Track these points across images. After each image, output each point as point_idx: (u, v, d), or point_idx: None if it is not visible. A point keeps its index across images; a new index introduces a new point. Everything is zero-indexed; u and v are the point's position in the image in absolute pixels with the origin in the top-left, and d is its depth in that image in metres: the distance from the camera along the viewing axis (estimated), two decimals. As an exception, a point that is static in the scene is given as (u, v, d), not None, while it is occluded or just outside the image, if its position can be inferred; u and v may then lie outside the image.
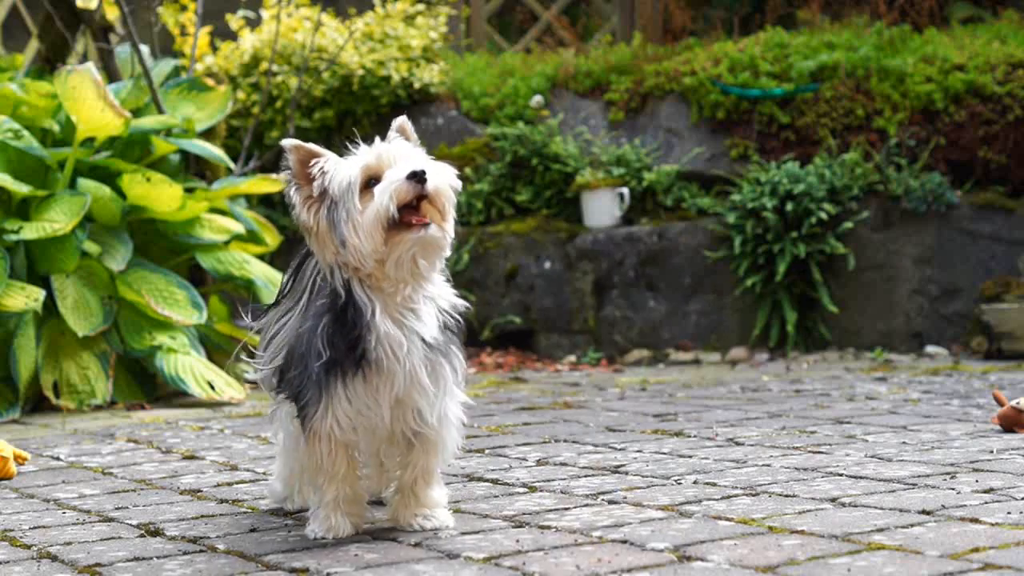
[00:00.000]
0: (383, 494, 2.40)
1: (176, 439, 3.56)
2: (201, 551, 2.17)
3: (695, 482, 2.61)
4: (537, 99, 6.31)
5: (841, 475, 2.63)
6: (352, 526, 2.25)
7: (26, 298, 4.26)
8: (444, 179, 2.19)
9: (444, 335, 2.22)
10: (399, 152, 2.21)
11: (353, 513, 2.25)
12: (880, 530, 2.12)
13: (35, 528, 2.41)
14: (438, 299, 2.24)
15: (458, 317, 2.25)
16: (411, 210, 2.15)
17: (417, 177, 2.14)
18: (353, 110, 6.33)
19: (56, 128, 4.85)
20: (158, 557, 2.14)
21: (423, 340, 2.18)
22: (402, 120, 2.32)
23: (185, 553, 2.16)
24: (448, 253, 2.23)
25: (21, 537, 2.34)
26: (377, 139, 2.25)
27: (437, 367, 2.20)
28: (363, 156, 2.20)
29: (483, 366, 5.62)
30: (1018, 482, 2.49)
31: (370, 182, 2.18)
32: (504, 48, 7.76)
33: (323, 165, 2.21)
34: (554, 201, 6.12)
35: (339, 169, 2.20)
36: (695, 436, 3.25)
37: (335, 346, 2.16)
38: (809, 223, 5.64)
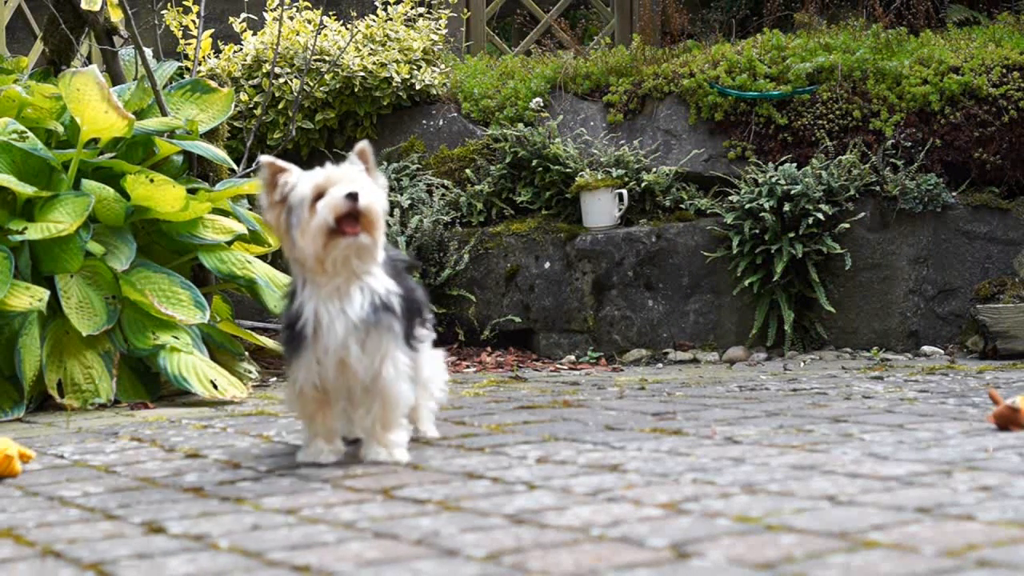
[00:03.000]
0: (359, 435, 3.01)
1: (179, 437, 3.57)
2: (204, 548, 2.18)
3: (693, 480, 2.62)
4: (536, 101, 6.33)
5: (838, 473, 2.65)
6: (331, 452, 2.94)
7: (30, 298, 4.28)
8: (374, 199, 2.80)
9: (378, 314, 2.82)
10: (344, 174, 2.81)
11: (331, 443, 2.95)
12: (877, 528, 2.13)
13: (39, 526, 2.42)
14: (374, 287, 2.83)
15: (391, 299, 2.84)
16: (350, 220, 2.76)
17: (352, 196, 2.75)
18: (355, 111, 6.35)
19: (60, 129, 4.86)
20: (161, 554, 2.15)
21: (351, 319, 2.80)
22: (363, 145, 2.88)
23: (188, 550, 2.17)
24: (381, 255, 2.84)
25: (25, 534, 2.35)
26: (328, 164, 2.87)
27: (368, 339, 2.82)
28: (316, 175, 2.81)
29: (483, 365, 5.64)
30: (1014, 480, 2.51)
31: (319, 196, 2.78)
32: (504, 50, 7.79)
33: (287, 178, 2.83)
34: (554, 202, 6.14)
35: (298, 183, 2.81)
36: (693, 435, 3.27)
37: (289, 324, 2.85)
38: (806, 223, 5.66)
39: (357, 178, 2.82)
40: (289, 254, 2.85)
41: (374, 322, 2.82)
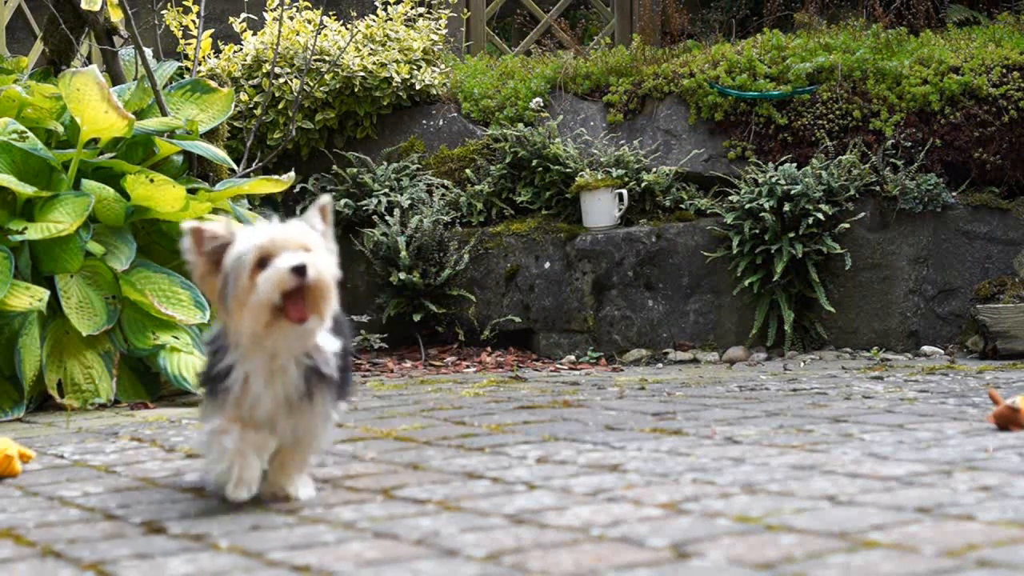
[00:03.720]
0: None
1: (179, 437, 3.57)
2: (204, 548, 2.18)
3: (693, 480, 2.62)
4: (536, 101, 6.33)
5: (838, 473, 2.65)
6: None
7: (30, 298, 4.28)
8: (324, 271, 2.39)
9: (313, 388, 2.48)
10: (291, 237, 2.40)
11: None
12: (877, 528, 2.13)
13: (40, 526, 2.42)
14: (313, 356, 2.47)
15: (329, 366, 2.49)
16: (295, 300, 2.36)
17: (299, 271, 2.34)
18: (355, 111, 6.35)
19: (60, 129, 4.87)
20: (161, 554, 2.15)
21: (281, 395, 2.46)
22: (325, 201, 2.50)
23: (188, 550, 2.17)
24: (327, 326, 2.47)
25: (26, 534, 2.35)
26: (275, 219, 2.46)
27: (299, 412, 2.49)
28: (259, 236, 2.39)
29: (483, 365, 5.64)
30: (1014, 480, 2.51)
31: (261, 263, 2.37)
32: (504, 50, 7.79)
33: (217, 233, 2.43)
34: (554, 202, 6.14)
35: (236, 243, 2.40)
36: (693, 435, 3.27)
37: (214, 379, 2.50)
38: (806, 223, 5.66)
39: (307, 240, 2.42)
40: (222, 318, 2.46)
41: (308, 398, 2.49)
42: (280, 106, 6.23)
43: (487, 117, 6.41)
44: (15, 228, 4.42)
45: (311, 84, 6.20)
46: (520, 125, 6.25)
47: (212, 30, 6.48)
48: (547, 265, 5.99)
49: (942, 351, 5.68)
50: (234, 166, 5.29)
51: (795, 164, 5.86)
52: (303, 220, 2.47)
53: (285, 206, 6.38)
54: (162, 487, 2.80)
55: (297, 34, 6.42)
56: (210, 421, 2.51)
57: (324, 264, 2.39)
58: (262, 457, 2.51)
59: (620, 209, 5.99)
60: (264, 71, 6.29)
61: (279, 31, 6.02)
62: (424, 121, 6.45)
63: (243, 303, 2.36)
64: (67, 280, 4.49)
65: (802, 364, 5.48)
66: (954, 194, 5.83)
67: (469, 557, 2.04)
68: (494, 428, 3.49)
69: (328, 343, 2.49)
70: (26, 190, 4.48)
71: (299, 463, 2.59)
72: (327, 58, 6.25)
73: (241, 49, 6.48)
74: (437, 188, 6.21)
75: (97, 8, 5.27)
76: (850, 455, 2.87)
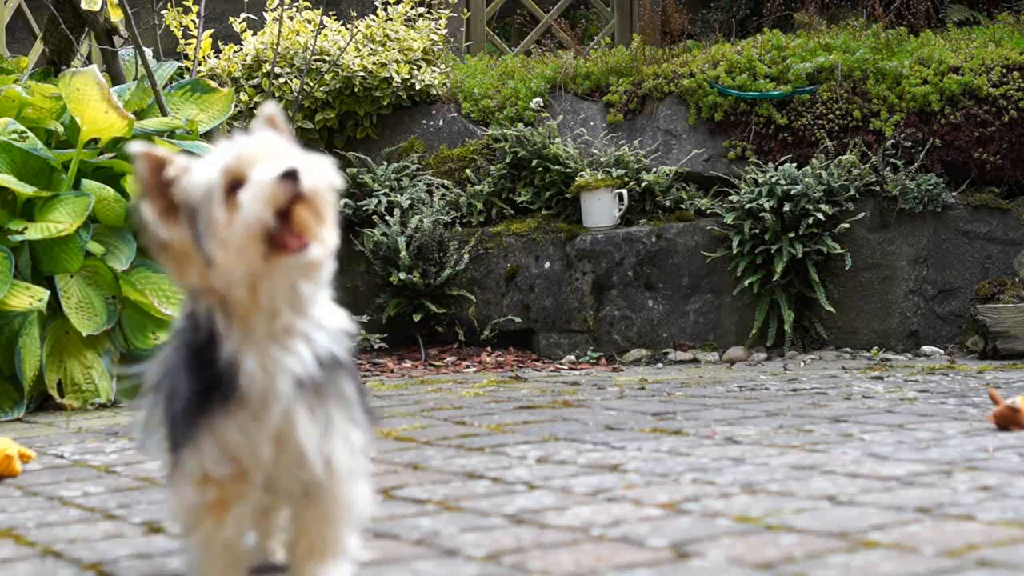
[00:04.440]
0: (278, 556, 2.03)
1: (179, 438, 3.56)
2: (206, 548, 2.18)
3: (693, 480, 2.62)
4: (536, 101, 6.34)
5: (838, 473, 2.65)
6: None
7: (30, 298, 4.28)
8: (322, 177, 1.75)
9: (329, 369, 1.78)
10: (265, 148, 1.77)
11: (235, 568, 1.81)
12: (877, 528, 2.13)
13: (40, 526, 2.42)
14: (321, 326, 1.79)
15: (343, 348, 1.81)
16: (285, 223, 1.73)
17: (291, 176, 1.71)
18: (355, 111, 6.35)
19: (60, 130, 4.86)
20: (161, 555, 2.15)
21: (299, 379, 1.76)
22: (271, 109, 1.85)
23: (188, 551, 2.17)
24: (332, 265, 1.80)
25: (26, 534, 2.35)
26: (238, 135, 1.81)
27: (318, 409, 1.77)
28: (222, 156, 1.75)
29: (483, 365, 5.64)
30: (1014, 480, 2.51)
31: (234, 186, 1.73)
32: (504, 50, 7.79)
33: (179, 170, 1.77)
34: (554, 202, 6.14)
35: (196, 172, 1.76)
36: (693, 435, 3.27)
37: (196, 389, 1.77)
38: (806, 223, 5.66)
39: (286, 149, 1.78)
40: (198, 284, 1.76)
41: (326, 383, 1.78)
42: (280, 106, 6.22)
43: (487, 117, 6.41)
44: (15, 228, 4.42)
45: (311, 84, 6.20)
46: (520, 125, 6.25)
47: (212, 30, 6.49)
48: (547, 265, 5.99)
49: (942, 351, 5.68)
50: (234, 166, 5.28)
51: (795, 164, 5.86)
52: (260, 132, 1.82)
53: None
54: (162, 487, 2.79)
55: (297, 34, 6.43)
56: (186, 462, 1.77)
57: (319, 167, 1.75)
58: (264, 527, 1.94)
59: (620, 209, 5.99)
60: (264, 71, 6.29)
61: (279, 31, 6.02)
62: (424, 121, 6.45)
63: (225, 239, 1.70)
64: (67, 280, 4.49)
65: (802, 364, 5.48)
66: (954, 194, 5.83)
67: (469, 557, 2.04)
68: (494, 428, 3.49)
69: (340, 318, 1.84)
70: (26, 190, 4.48)
71: (331, 544, 1.82)
72: (327, 58, 6.25)
73: (241, 49, 6.48)
74: (437, 188, 6.22)
75: (97, 8, 5.27)
76: (850, 455, 2.87)
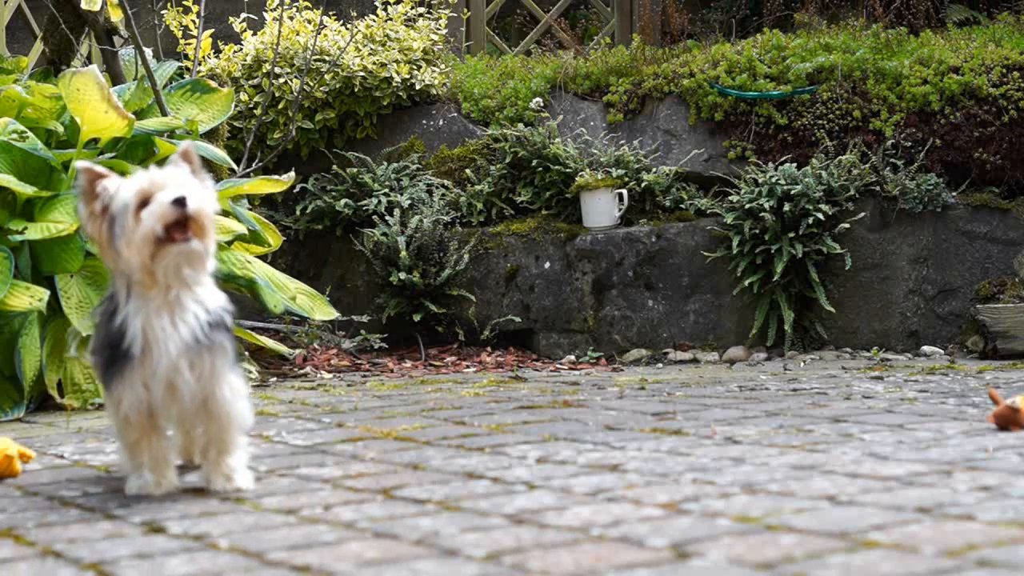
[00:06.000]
0: (196, 460, 2.82)
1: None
2: (204, 548, 2.18)
3: (693, 480, 2.63)
4: (536, 101, 6.34)
5: (838, 473, 2.65)
6: (160, 484, 2.66)
7: (30, 298, 4.28)
8: (204, 203, 2.57)
9: (212, 332, 2.60)
10: (169, 178, 2.58)
11: (160, 473, 2.67)
12: (877, 528, 2.13)
13: (40, 526, 2.42)
14: (204, 302, 2.62)
15: (223, 315, 2.64)
16: (178, 227, 2.54)
17: (180, 202, 2.52)
18: (355, 111, 6.35)
19: (60, 129, 4.87)
20: (161, 554, 2.15)
21: (183, 338, 2.58)
22: (187, 145, 2.66)
23: (188, 550, 2.17)
24: (212, 264, 2.64)
25: (25, 534, 2.35)
26: (152, 167, 2.63)
27: (199, 359, 2.59)
28: (139, 181, 2.57)
29: (483, 365, 5.64)
30: (1014, 480, 2.51)
31: (144, 203, 2.55)
32: (504, 50, 7.79)
33: (107, 184, 2.59)
34: (554, 202, 6.15)
35: (119, 190, 2.57)
36: (693, 435, 3.27)
37: (111, 343, 2.60)
38: (806, 223, 5.66)
39: (184, 181, 2.58)
40: (113, 266, 2.61)
41: (207, 342, 2.59)
42: (280, 106, 6.23)
43: (487, 117, 6.41)
44: (15, 228, 4.42)
45: (311, 84, 6.20)
46: (520, 125, 6.25)
47: (212, 30, 6.49)
48: (547, 265, 6.00)
49: (942, 351, 5.68)
50: (234, 166, 5.29)
51: (795, 164, 5.86)
52: (172, 166, 2.63)
53: (285, 206, 6.38)
54: (162, 487, 2.80)
55: (297, 34, 6.43)
56: (113, 391, 2.61)
57: (201, 196, 2.58)
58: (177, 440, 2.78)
59: (620, 209, 5.99)
60: (264, 71, 6.29)
61: (279, 31, 6.03)
62: (424, 121, 6.46)
63: (131, 240, 2.53)
64: (67, 280, 4.49)
65: (802, 364, 5.48)
66: (954, 194, 5.83)
67: (469, 557, 2.04)
68: (494, 428, 3.49)
69: (220, 298, 2.67)
70: (26, 190, 4.48)
71: (226, 444, 2.67)
72: (327, 58, 6.25)
73: (241, 49, 6.48)
74: (437, 188, 6.22)
75: (97, 8, 5.27)
76: (850, 455, 2.87)
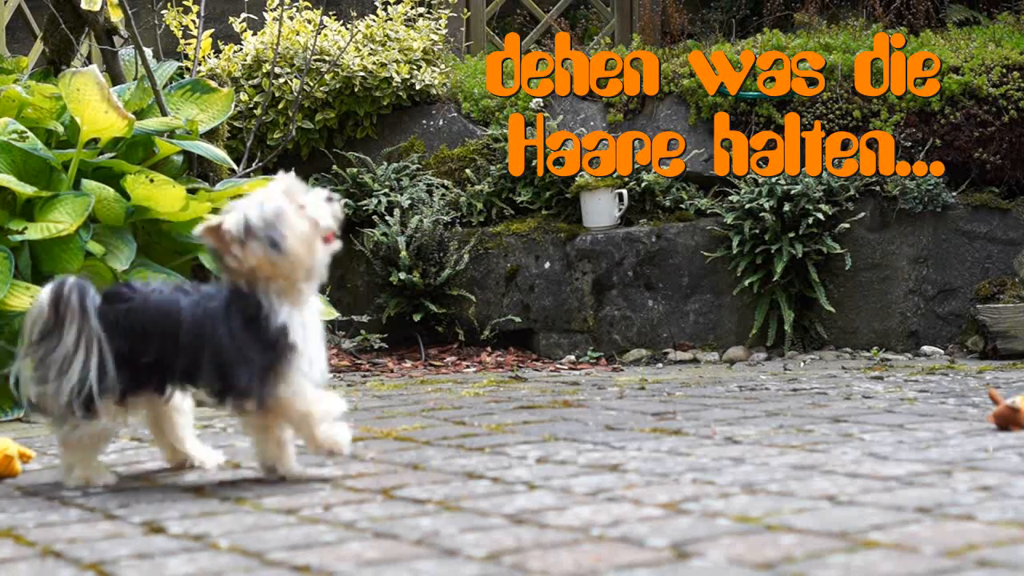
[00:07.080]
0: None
1: (179, 438, 3.56)
2: (204, 548, 2.18)
3: (693, 480, 2.63)
4: (536, 101, 6.33)
5: (838, 473, 2.65)
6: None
7: (30, 298, 4.27)
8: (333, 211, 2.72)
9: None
10: (299, 186, 2.71)
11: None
12: (877, 528, 2.13)
13: (39, 526, 2.42)
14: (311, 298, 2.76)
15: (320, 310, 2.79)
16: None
17: (332, 200, 2.71)
18: (355, 111, 6.35)
19: (60, 129, 4.86)
20: (161, 554, 2.15)
21: (321, 330, 2.73)
22: (289, 178, 2.73)
23: (188, 550, 2.17)
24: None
25: (25, 534, 2.35)
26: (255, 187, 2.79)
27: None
28: (274, 192, 2.66)
29: (483, 365, 5.64)
30: (1014, 480, 2.51)
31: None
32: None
33: (228, 223, 2.63)
34: (554, 202, 6.15)
35: (248, 209, 2.63)
36: (693, 435, 3.27)
37: (270, 344, 2.63)
38: (806, 223, 5.66)
39: (312, 191, 2.74)
40: (265, 273, 2.64)
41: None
42: (280, 106, 6.23)
43: (487, 117, 6.41)
44: (15, 228, 4.42)
45: (311, 84, 6.20)
46: (520, 125, 6.25)
47: (212, 30, 6.49)
48: (547, 265, 6.00)
49: (942, 351, 5.68)
50: (234, 166, 5.29)
51: (795, 164, 5.86)
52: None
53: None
54: (162, 487, 2.80)
55: (297, 34, 6.43)
56: (292, 382, 2.66)
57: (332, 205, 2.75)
58: None
59: (620, 209, 5.99)
60: (264, 71, 6.29)
61: (279, 31, 6.02)
62: (424, 121, 6.46)
63: (301, 238, 2.62)
64: (67, 280, 4.48)
65: (802, 364, 5.48)
66: (954, 194, 5.83)
67: (469, 557, 2.04)
68: (494, 428, 3.50)
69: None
70: (26, 190, 4.48)
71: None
72: (327, 58, 6.25)
73: (241, 49, 6.48)
74: (437, 188, 6.22)
75: (97, 8, 5.27)
76: (850, 455, 2.87)
